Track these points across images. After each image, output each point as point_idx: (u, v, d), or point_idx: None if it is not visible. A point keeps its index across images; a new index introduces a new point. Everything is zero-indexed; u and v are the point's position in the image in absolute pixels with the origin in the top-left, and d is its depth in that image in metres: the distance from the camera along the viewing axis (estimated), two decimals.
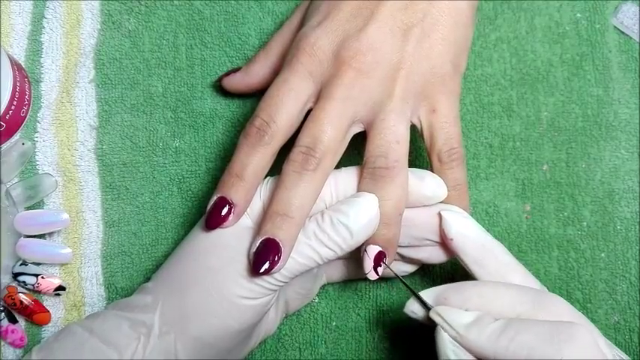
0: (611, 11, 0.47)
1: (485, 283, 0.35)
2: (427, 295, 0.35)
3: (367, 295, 0.44)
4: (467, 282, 0.35)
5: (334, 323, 0.44)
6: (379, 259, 0.36)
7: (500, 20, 0.47)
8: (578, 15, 0.47)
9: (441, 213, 0.37)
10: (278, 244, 0.34)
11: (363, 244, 0.37)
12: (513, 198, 0.45)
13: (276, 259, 0.34)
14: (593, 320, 0.44)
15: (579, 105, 0.46)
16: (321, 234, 0.35)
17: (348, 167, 0.37)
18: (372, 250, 0.36)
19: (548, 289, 0.44)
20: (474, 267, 0.36)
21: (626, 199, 0.45)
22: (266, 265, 0.34)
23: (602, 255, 0.45)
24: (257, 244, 0.34)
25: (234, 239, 0.36)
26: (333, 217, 0.35)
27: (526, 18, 0.47)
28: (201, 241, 0.36)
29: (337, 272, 0.43)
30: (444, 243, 0.37)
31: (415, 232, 0.38)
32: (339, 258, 0.42)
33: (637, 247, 0.45)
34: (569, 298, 0.44)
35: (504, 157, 0.46)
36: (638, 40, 0.46)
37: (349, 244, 0.35)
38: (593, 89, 0.46)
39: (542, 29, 0.47)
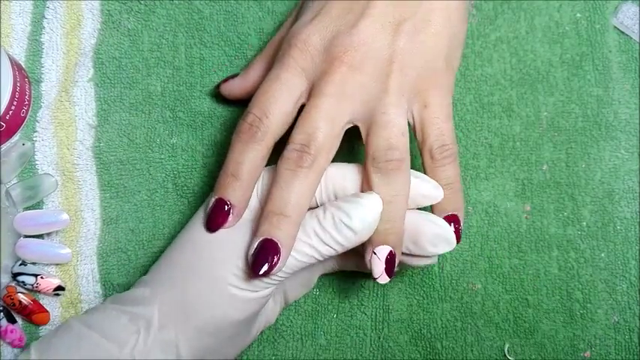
0: (611, 11, 0.47)
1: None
2: None
3: (374, 294, 0.44)
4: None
5: (335, 315, 0.44)
6: (391, 260, 0.35)
7: (500, 20, 0.47)
8: (578, 15, 0.47)
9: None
10: (276, 244, 0.33)
11: (366, 242, 0.36)
12: (513, 198, 0.45)
13: (275, 260, 0.33)
14: (592, 320, 0.44)
15: (579, 105, 0.46)
16: (323, 233, 0.34)
17: (337, 163, 0.37)
18: (383, 251, 0.35)
19: (547, 289, 0.44)
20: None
21: (626, 199, 0.45)
22: (265, 267, 0.33)
23: (602, 255, 0.44)
24: (255, 246, 0.34)
25: (234, 232, 0.35)
26: (336, 217, 0.34)
27: (526, 18, 0.47)
28: (201, 233, 0.36)
29: (349, 262, 0.42)
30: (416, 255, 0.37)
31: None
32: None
33: (637, 247, 0.44)
34: (570, 298, 0.44)
35: (504, 157, 0.45)
36: (638, 40, 0.46)
37: (352, 242, 0.35)
38: (593, 89, 0.46)
39: (542, 29, 0.46)
